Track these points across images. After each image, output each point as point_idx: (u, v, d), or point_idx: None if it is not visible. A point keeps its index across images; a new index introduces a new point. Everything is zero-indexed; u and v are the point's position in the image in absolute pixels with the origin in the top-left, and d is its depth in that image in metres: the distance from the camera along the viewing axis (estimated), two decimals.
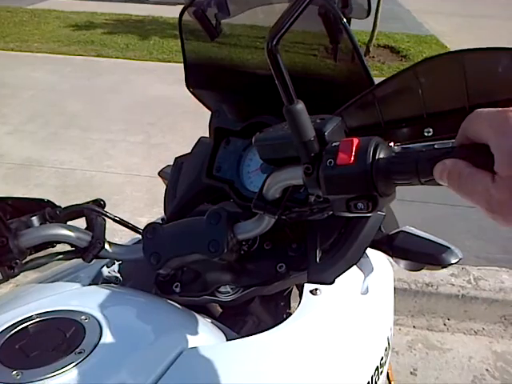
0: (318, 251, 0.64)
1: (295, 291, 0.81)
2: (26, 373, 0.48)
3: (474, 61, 0.47)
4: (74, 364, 0.49)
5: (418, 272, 2.04)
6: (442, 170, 0.40)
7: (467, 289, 2.03)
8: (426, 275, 2.07)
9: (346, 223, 0.63)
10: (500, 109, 0.36)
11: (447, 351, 1.91)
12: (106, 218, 0.72)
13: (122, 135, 3.36)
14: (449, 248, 0.64)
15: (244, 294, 0.71)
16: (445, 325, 2.03)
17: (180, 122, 3.56)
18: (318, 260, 0.63)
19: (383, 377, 0.66)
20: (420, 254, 0.64)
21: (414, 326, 2.02)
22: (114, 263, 0.81)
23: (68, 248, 0.68)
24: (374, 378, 0.60)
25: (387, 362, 0.68)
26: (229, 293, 0.71)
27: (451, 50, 0.50)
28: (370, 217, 0.63)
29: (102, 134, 3.37)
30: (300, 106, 0.47)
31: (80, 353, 0.50)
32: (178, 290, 0.73)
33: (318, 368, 0.56)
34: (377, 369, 0.62)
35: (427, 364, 1.84)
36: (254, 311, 0.78)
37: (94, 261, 0.74)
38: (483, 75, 0.47)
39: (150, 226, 0.66)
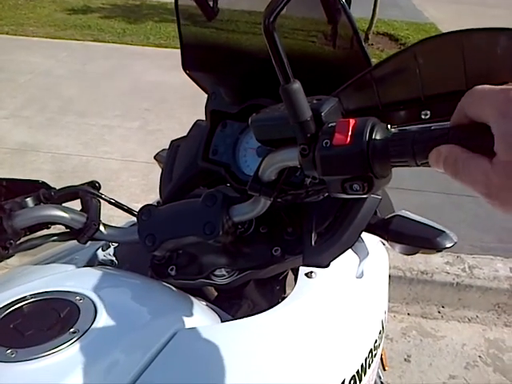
0: (313, 234, 0.64)
1: (290, 276, 0.81)
2: (21, 351, 0.48)
3: (473, 41, 0.46)
4: (68, 343, 0.49)
5: (413, 260, 2.04)
6: (437, 156, 0.39)
7: (462, 277, 2.05)
8: (421, 263, 2.08)
9: (342, 207, 0.63)
10: (503, 87, 0.35)
11: (441, 338, 1.92)
12: (101, 201, 0.71)
13: (118, 121, 3.34)
14: (444, 232, 0.64)
15: (239, 278, 0.71)
16: (439, 312, 2.05)
17: (177, 108, 3.54)
18: (313, 243, 0.63)
19: (377, 360, 0.66)
20: (415, 237, 0.64)
21: (408, 314, 2.04)
22: (110, 246, 0.81)
23: (63, 230, 0.68)
24: (367, 361, 0.61)
25: (381, 345, 0.69)
26: (224, 276, 0.71)
27: None
28: (365, 200, 0.63)
29: (98, 119, 3.35)
30: (296, 85, 0.46)
31: (74, 332, 0.50)
32: (173, 273, 0.73)
33: (311, 350, 0.56)
34: (371, 351, 0.62)
35: (421, 351, 1.86)
36: (249, 295, 0.78)
37: (89, 243, 0.74)
38: (482, 56, 0.47)
39: (146, 208, 0.66)
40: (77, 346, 0.49)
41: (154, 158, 1.00)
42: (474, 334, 1.96)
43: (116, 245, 0.82)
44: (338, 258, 0.62)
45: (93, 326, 0.52)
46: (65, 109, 3.48)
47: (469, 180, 0.37)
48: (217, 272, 0.71)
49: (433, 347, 1.88)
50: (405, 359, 1.81)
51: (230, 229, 0.63)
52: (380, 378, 1.15)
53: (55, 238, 0.67)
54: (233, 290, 0.75)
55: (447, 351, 1.86)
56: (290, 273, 0.81)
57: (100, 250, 0.79)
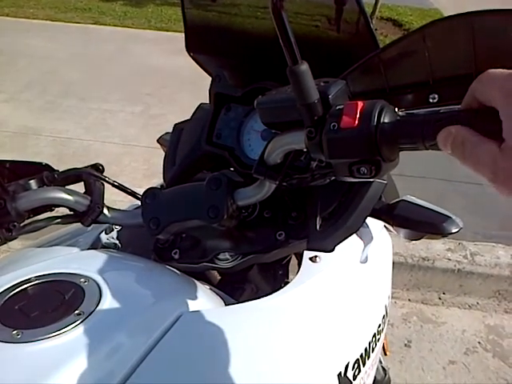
0: (318, 219, 0.63)
1: (294, 260, 0.81)
2: (26, 332, 0.48)
3: (484, 23, 0.45)
4: (73, 325, 0.49)
5: (415, 246, 2.04)
6: (445, 136, 0.38)
7: (463, 264, 2.05)
8: (422, 250, 2.08)
9: (347, 191, 0.63)
10: None
11: (441, 324, 1.93)
12: (105, 184, 0.71)
13: (119, 105, 3.32)
14: (449, 217, 0.64)
15: (243, 262, 0.71)
16: (440, 299, 2.05)
17: (178, 92, 3.51)
18: (318, 228, 0.63)
19: (380, 344, 0.67)
20: (421, 222, 0.64)
21: (409, 300, 2.04)
22: (113, 229, 0.81)
23: (66, 212, 0.68)
24: (371, 345, 0.61)
25: (384, 330, 0.69)
26: (228, 260, 0.71)
27: None
28: (371, 185, 0.62)
29: (100, 103, 3.33)
30: (304, 66, 0.46)
31: (79, 314, 0.50)
32: (176, 256, 0.73)
33: (316, 334, 0.56)
34: (374, 336, 0.62)
35: (421, 336, 1.87)
36: (253, 279, 0.78)
37: (92, 226, 0.73)
38: (492, 39, 0.46)
39: (150, 191, 0.66)
40: (82, 328, 0.49)
41: (157, 141, 0.99)
42: (475, 320, 1.97)
43: (119, 228, 0.82)
44: (342, 243, 0.61)
45: (97, 308, 0.52)
46: (66, 92, 3.46)
47: (476, 163, 0.36)
48: (220, 256, 0.71)
49: (433, 333, 1.89)
50: (405, 344, 1.82)
51: (235, 212, 0.62)
52: (381, 362, 1.16)
53: (59, 220, 0.67)
54: (236, 274, 0.75)
55: (447, 337, 1.87)
56: (294, 257, 0.81)
57: (103, 233, 0.79)
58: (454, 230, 0.63)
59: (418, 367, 1.73)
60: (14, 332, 0.48)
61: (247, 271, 0.77)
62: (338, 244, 0.61)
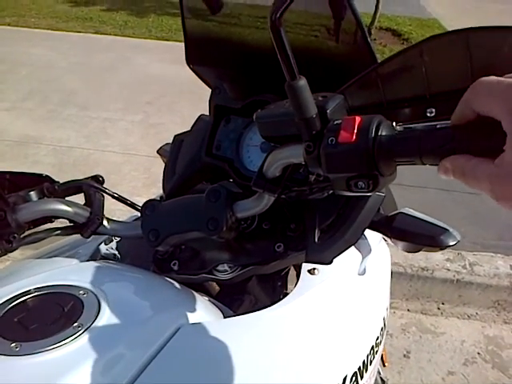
0: (316, 231, 0.64)
1: (293, 272, 0.81)
2: (25, 345, 0.48)
3: (480, 39, 0.46)
4: (72, 337, 0.49)
5: (414, 256, 2.04)
6: (445, 170, 0.40)
7: (462, 274, 2.05)
8: (421, 260, 2.08)
9: (345, 204, 0.63)
10: None
11: (440, 335, 1.93)
12: (105, 195, 0.71)
13: (120, 114, 3.33)
14: (447, 230, 0.64)
15: (242, 273, 0.71)
16: (439, 309, 2.05)
17: (178, 101, 3.53)
18: (316, 240, 0.63)
19: (378, 356, 0.67)
20: (418, 235, 0.64)
21: (408, 310, 2.04)
22: (112, 240, 0.81)
23: (66, 223, 0.68)
24: (369, 357, 0.61)
25: (383, 342, 0.69)
26: (227, 271, 0.71)
27: None
28: (369, 197, 0.63)
29: (100, 112, 3.34)
30: (302, 82, 0.46)
31: (78, 327, 0.51)
32: (175, 267, 0.73)
33: (314, 346, 0.56)
34: (372, 348, 0.62)
35: (420, 347, 1.86)
36: (252, 290, 0.78)
37: (92, 238, 0.74)
38: (488, 54, 0.47)
39: (149, 203, 0.66)
40: (80, 340, 0.49)
41: (157, 152, 1.00)
42: (474, 330, 1.96)
43: (118, 239, 0.82)
44: (340, 255, 0.62)
45: (96, 320, 0.52)
46: (67, 101, 3.48)
47: (476, 184, 0.38)
48: (219, 267, 0.71)
49: (432, 343, 1.88)
50: (404, 355, 1.82)
51: (234, 224, 0.63)
52: (380, 373, 1.15)
53: (59, 231, 0.67)
54: (235, 286, 0.75)
55: (446, 347, 1.87)
56: (292, 269, 0.82)
57: (103, 244, 0.79)
58: (451, 243, 0.63)
59: (417, 378, 1.72)
60: (13, 345, 0.48)
61: (246, 283, 0.77)
62: (337, 256, 0.62)
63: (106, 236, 0.81)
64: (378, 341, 0.65)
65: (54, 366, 0.47)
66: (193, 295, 0.64)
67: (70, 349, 0.48)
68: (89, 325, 0.51)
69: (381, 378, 1.18)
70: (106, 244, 0.80)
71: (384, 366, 1.18)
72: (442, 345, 1.88)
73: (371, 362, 0.62)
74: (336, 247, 0.62)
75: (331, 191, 0.58)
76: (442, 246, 0.63)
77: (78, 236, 0.71)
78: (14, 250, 0.64)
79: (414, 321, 1.99)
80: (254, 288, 0.78)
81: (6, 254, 0.63)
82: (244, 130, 0.76)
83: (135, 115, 3.33)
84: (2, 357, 0.47)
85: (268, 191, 0.59)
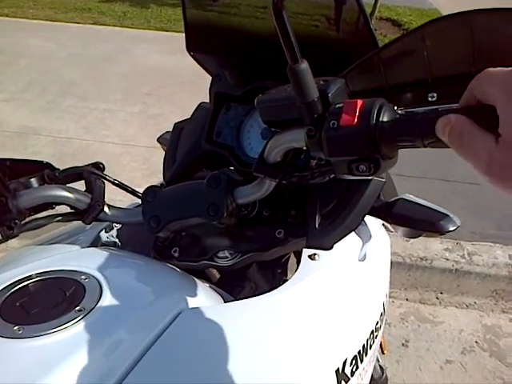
0: (317, 217, 0.64)
1: (293, 259, 0.81)
2: (27, 328, 0.49)
3: (482, 22, 0.46)
4: (74, 321, 0.50)
5: (413, 246, 2.03)
6: (444, 124, 0.38)
7: (461, 263, 2.06)
8: (420, 249, 2.09)
9: (346, 189, 0.63)
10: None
11: (439, 324, 1.94)
12: (106, 182, 0.71)
13: (119, 105, 3.32)
14: (447, 215, 0.64)
15: (242, 260, 0.71)
16: (437, 298, 2.06)
17: (178, 92, 3.52)
18: (317, 225, 0.63)
19: (378, 341, 0.67)
20: (419, 220, 0.64)
21: (406, 299, 2.05)
22: (113, 228, 0.81)
23: (67, 210, 0.68)
24: (369, 342, 0.62)
25: (382, 327, 0.69)
26: (227, 258, 0.72)
27: None
28: (369, 183, 0.63)
29: (99, 103, 3.33)
30: (304, 65, 0.46)
31: (80, 311, 0.51)
32: (176, 254, 0.73)
33: (314, 330, 0.56)
34: (372, 333, 0.63)
35: (419, 336, 1.87)
36: (252, 277, 0.78)
37: (92, 225, 0.74)
38: (491, 37, 0.46)
39: (150, 189, 0.66)
40: (82, 324, 0.50)
41: (157, 140, 1.00)
42: (472, 320, 1.97)
43: (119, 226, 0.82)
44: (341, 241, 0.62)
45: (98, 304, 0.52)
46: (66, 92, 3.46)
47: (472, 154, 0.37)
48: (220, 254, 0.72)
49: (430, 332, 1.89)
50: (402, 344, 1.83)
51: (234, 210, 0.63)
52: (378, 361, 1.16)
53: (60, 218, 0.67)
54: (235, 272, 0.75)
55: (445, 336, 1.88)
56: (293, 256, 0.82)
57: (103, 231, 0.79)
58: (451, 228, 0.64)
59: (416, 367, 1.74)
60: (16, 328, 0.49)
61: (246, 269, 0.77)
62: (337, 242, 0.62)
63: (107, 223, 0.81)
64: (378, 325, 0.66)
65: (56, 349, 0.47)
66: (193, 281, 0.64)
67: (72, 332, 0.49)
68: (90, 309, 0.51)
69: (380, 366, 1.19)
70: (106, 231, 0.81)
71: (383, 353, 1.19)
72: (440, 334, 1.89)
73: (371, 346, 0.63)
74: (336, 233, 0.62)
75: (332, 175, 0.58)
76: (442, 231, 0.63)
77: (78, 223, 0.72)
78: (15, 236, 0.64)
79: (413, 310, 2.00)
80: (255, 275, 0.79)
81: (7, 240, 0.63)
82: (244, 117, 0.76)
83: (134, 106, 3.32)
84: (5, 339, 0.47)
85: (269, 176, 0.59)
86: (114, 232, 0.82)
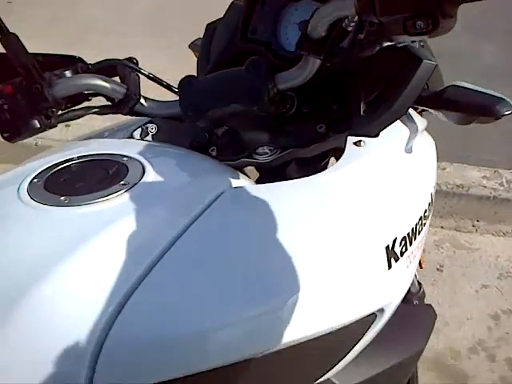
0: (362, 104, 0.61)
1: (332, 161, 0.79)
2: (73, 198, 0.49)
3: None
4: (119, 193, 0.50)
5: (449, 174, 1.97)
6: None
7: (499, 191, 2.00)
8: (457, 178, 2.04)
9: (394, 73, 0.59)
10: None
11: (475, 250, 1.92)
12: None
13: (144, 39, 3.26)
14: (503, 99, 0.60)
15: (281, 156, 0.69)
16: (473, 226, 2.03)
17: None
18: (362, 112, 0.60)
19: (425, 231, 0.65)
20: (472, 105, 0.60)
21: (442, 227, 2.02)
22: (148, 134, 0.80)
23: (103, 103, 0.67)
24: (417, 227, 0.60)
25: (429, 218, 0.67)
26: (266, 154, 0.70)
27: None
28: (419, 66, 0.59)
29: (124, 37, 3.27)
30: None
31: (124, 184, 0.51)
32: (214, 153, 0.72)
33: (363, 210, 0.55)
34: (420, 219, 0.61)
35: (454, 262, 1.86)
36: (290, 176, 0.77)
37: (125, 131, 0.73)
38: None
39: (187, 79, 0.64)
40: (127, 195, 0.50)
41: (189, 47, 0.96)
42: (509, 246, 1.94)
43: (154, 131, 0.80)
44: (386, 130, 0.59)
45: (141, 181, 0.52)
46: (88, 28, 3.41)
47: None
48: (259, 150, 0.70)
49: (466, 259, 1.87)
50: (437, 269, 1.82)
51: (276, 96, 0.60)
52: (416, 276, 1.15)
53: (96, 110, 0.66)
54: (274, 171, 0.74)
55: (480, 262, 1.86)
56: (332, 159, 0.80)
57: (137, 131, 0.78)
58: (506, 112, 0.60)
59: (451, 290, 1.73)
60: (62, 198, 0.49)
61: (285, 167, 0.75)
62: (383, 129, 0.59)
63: (139, 130, 0.79)
64: (426, 214, 0.64)
65: (102, 217, 0.47)
66: (236, 171, 0.63)
67: (117, 202, 0.49)
68: (134, 183, 0.51)
69: (417, 281, 1.18)
70: (141, 136, 0.79)
71: (421, 267, 1.18)
72: (476, 260, 1.87)
73: (419, 232, 0.61)
74: (383, 119, 0.59)
75: (383, 44, 0.54)
76: (497, 115, 0.59)
77: (110, 128, 0.70)
78: (53, 126, 0.63)
79: (448, 237, 1.97)
80: (294, 174, 0.77)
81: (45, 130, 0.63)
82: (282, 9, 0.71)
83: (160, 39, 3.25)
84: (52, 207, 0.48)
85: (313, 53, 0.55)
86: (149, 138, 0.80)
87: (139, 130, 0.79)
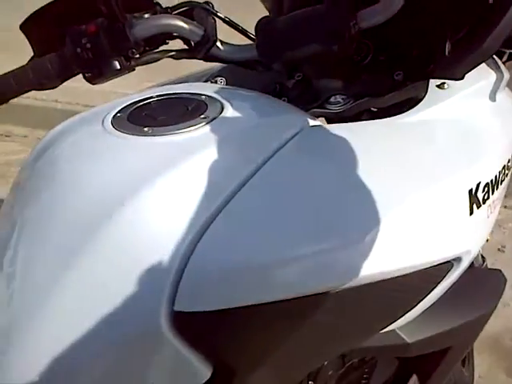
0: (447, 44, 0.58)
1: None
2: (156, 129, 0.50)
3: None
4: (199, 125, 0.50)
5: None
6: None
7: None
8: None
9: (484, 10, 0.56)
10: None
11: None
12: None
13: None
14: None
15: (355, 105, 0.68)
16: None
17: None
18: (447, 53, 0.58)
19: (506, 182, 0.63)
20: None
21: (505, 206, 1.94)
22: (216, 82, 0.80)
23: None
24: (500, 176, 0.57)
25: (511, 171, 0.64)
26: (339, 103, 0.68)
27: None
28: (510, 4, 0.56)
29: None
30: None
31: (204, 118, 0.51)
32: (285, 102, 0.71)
33: (447, 151, 0.53)
34: (504, 168, 0.58)
35: None
36: None
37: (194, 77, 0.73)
38: None
39: (263, 20, 0.63)
40: (207, 127, 0.50)
41: None
42: None
43: (223, 83, 0.80)
44: (471, 73, 0.56)
45: (221, 115, 0.52)
46: None
47: None
48: (332, 99, 0.69)
49: None
50: (498, 249, 1.75)
51: (356, 36, 0.59)
52: (480, 250, 1.12)
53: (172, 53, 0.67)
54: (345, 122, 0.72)
55: None
56: None
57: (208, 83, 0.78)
58: None
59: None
60: (145, 128, 0.50)
61: (357, 119, 0.74)
62: (469, 71, 0.56)
63: (211, 75, 0.79)
64: (510, 164, 0.61)
65: (184, 146, 0.48)
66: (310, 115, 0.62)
67: (198, 133, 0.49)
68: (214, 117, 0.52)
69: (481, 255, 1.14)
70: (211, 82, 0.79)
71: (487, 240, 1.14)
72: None
73: (501, 182, 0.58)
74: (470, 60, 0.56)
75: None
76: None
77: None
78: (132, 69, 0.65)
79: (511, 217, 1.89)
80: None
81: (124, 73, 0.64)
82: None
83: None
84: (136, 136, 0.49)
85: None
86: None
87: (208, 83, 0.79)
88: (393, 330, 0.60)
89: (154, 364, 0.44)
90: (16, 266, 0.46)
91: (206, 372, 0.45)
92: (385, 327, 0.56)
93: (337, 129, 0.53)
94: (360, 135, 0.53)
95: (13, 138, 2.27)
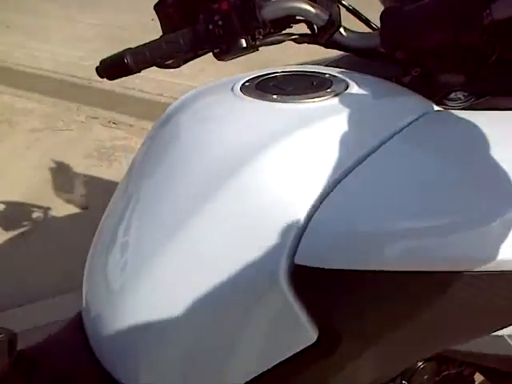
0: None
1: None
2: (284, 97, 0.53)
3: None
4: (325, 97, 0.52)
5: None
6: None
7: None
8: None
9: None
10: None
11: None
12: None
13: None
14: None
15: (476, 103, 0.65)
16: None
17: None
18: None
19: None
20: None
21: None
22: None
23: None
24: None
25: None
26: (459, 100, 0.66)
27: None
28: None
29: None
30: None
31: (330, 92, 0.53)
32: None
33: None
34: None
35: None
36: None
37: None
38: None
39: (390, 8, 0.63)
40: (334, 100, 0.52)
41: None
42: None
43: None
44: None
45: (346, 91, 0.53)
46: None
47: None
48: (452, 95, 0.66)
49: None
50: None
51: (487, 28, 0.57)
52: None
53: (295, 37, 0.68)
54: None
55: None
56: None
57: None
58: None
59: None
60: (274, 96, 0.53)
61: None
62: None
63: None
64: None
65: (311, 113, 0.50)
66: None
67: (325, 104, 0.51)
68: (339, 92, 0.52)
69: None
70: None
71: None
72: None
73: None
74: None
75: None
76: None
77: None
78: (256, 49, 0.67)
79: None
80: None
81: (249, 52, 0.66)
82: None
83: None
84: (265, 101, 0.52)
85: None
86: None
87: None
88: (501, 337, 0.56)
89: (265, 318, 0.45)
90: (142, 215, 0.50)
91: (312, 335, 0.45)
92: (498, 329, 0.52)
93: (464, 114, 0.52)
94: (490, 123, 0.51)
95: (119, 125, 2.42)
